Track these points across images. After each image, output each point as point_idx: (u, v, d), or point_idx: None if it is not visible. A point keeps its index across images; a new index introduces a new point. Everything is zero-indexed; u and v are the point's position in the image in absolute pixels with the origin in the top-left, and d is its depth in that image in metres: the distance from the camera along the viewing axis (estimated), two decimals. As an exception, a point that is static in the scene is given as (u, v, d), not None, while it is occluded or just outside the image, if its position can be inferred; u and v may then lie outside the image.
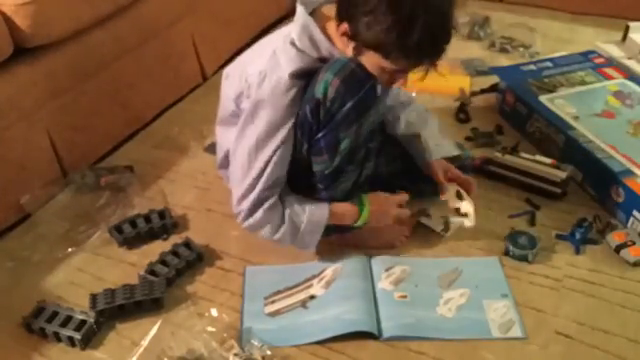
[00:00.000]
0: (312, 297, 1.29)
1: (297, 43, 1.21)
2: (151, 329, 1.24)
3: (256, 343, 1.18)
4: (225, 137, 1.41)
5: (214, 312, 1.27)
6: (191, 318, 1.26)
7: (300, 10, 1.22)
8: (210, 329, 1.22)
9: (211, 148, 1.73)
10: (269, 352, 1.17)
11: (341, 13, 1.16)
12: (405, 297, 1.28)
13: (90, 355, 1.21)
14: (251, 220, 1.29)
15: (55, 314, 1.24)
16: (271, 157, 1.24)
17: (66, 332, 1.20)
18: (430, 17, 1.08)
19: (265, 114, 1.22)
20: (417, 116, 1.49)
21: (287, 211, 1.29)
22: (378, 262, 1.36)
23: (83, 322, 1.22)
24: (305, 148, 1.25)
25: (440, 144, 1.46)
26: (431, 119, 1.50)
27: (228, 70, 1.38)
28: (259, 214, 1.27)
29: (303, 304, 1.28)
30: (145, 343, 1.21)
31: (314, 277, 1.34)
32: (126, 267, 1.40)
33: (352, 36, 1.15)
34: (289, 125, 1.23)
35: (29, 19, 1.43)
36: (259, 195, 1.26)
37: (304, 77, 1.20)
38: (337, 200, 1.32)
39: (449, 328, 1.22)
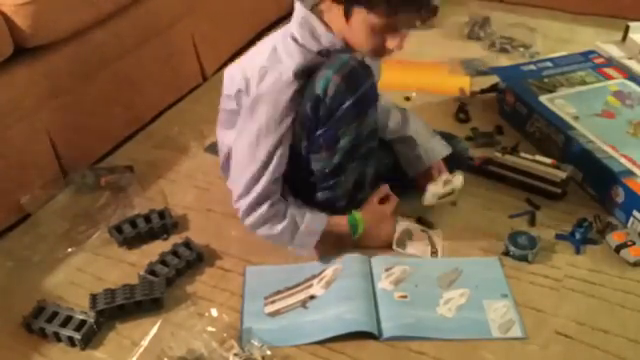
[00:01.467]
0: (312, 297, 1.29)
1: (297, 37, 1.21)
2: (151, 329, 1.24)
3: (256, 343, 1.18)
4: (226, 138, 1.42)
5: (214, 312, 1.27)
6: (191, 318, 1.26)
7: (298, 5, 1.23)
8: (210, 329, 1.22)
9: (211, 148, 1.73)
10: (269, 352, 1.17)
11: None
12: (405, 297, 1.28)
13: (90, 355, 1.21)
14: (254, 216, 1.29)
15: (55, 314, 1.24)
16: (273, 152, 1.24)
17: (66, 332, 1.20)
18: None
19: (265, 109, 1.22)
20: (400, 119, 1.50)
21: (290, 209, 1.29)
22: (378, 262, 1.36)
23: (83, 322, 1.22)
24: (304, 145, 1.26)
25: (429, 147, 1.46)
26: (413, 120, 1.50)
27: (230, 70, 1.38)
28: (263, 209, 1.28)
29: (303, 304, 1.28)
30: (145, 343, 1.21)
31: (314, 277, 1.34)
32: (126, 267, 1.40)
33: None
34: (289, 120, 1.23)
35: (29, 19, 1.43)
36: (264, 189, 1.27)
37: (305, 73, 1.21)
38: (337, 201, 1.33)
39: (449, 328, 1.22)
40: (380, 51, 1.22)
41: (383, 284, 1.30)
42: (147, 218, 1.48)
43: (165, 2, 1.88)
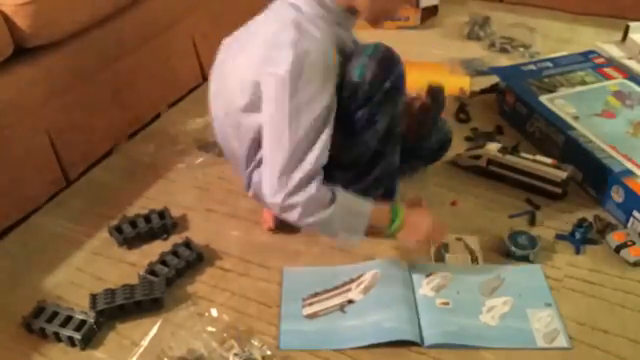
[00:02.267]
0: (350, 301, 1.28)
1: (308, 8, 1.21)
2: (151, 329, 1.24)
3: (256, 343, 1.18)
4: (238, 140, 1.34)
5: (214, 312, 1.27)
6: (191, 318, 1.26)
7: None
8: (210, 329, 1.22)
9: (206, 147, 1.74)
10: (269, 352, 1.17)
11: None
12: (447, 304, 1.26)
13: (90, 355, 1.21)
14: (302, 197, 1.17)
15: (55, 314, 1.24)
16: (321, 125, 1.18)
17: (66, 332, 1.20)
18: None
19: (305, 81, 1.16)
20: None
21: (336, 191, 1.21)
22: (418, 268, 1.34)
23: (83, 322, 1.22)
24: (339, 136, 1.23)
25: None
26: None
27: (233, 67, 1.31)
28: (312, 189, 1.17)
29: (341, 308, 1.27)
30: (145, 343, 1.21)
31: (352, 281, 1.32)
32: (126, 267, 1.40)
33: None
34: (332, 90, 1.19)
35: (29, 19, 1.43)
36: (313, 166, 1.17)
37: (333, 41, 1.21)
38: (370, 190, 1.31)
39: (493, 337, 1.20)
40: (388, 18, 1.29)
41: (424, 290, 1.29)
42: (147, 218, 1.48)
43: (165, 2, 1.88)
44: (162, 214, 1.49)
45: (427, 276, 1.32)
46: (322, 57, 1.17)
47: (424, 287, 1.30)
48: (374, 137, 1.28)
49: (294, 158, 1.17)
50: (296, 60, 1.14)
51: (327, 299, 1.29)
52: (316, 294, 1.30)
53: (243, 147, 1.32)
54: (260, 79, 1.21)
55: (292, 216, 1.20)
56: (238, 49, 1.31)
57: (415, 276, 1.32)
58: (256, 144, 1.29)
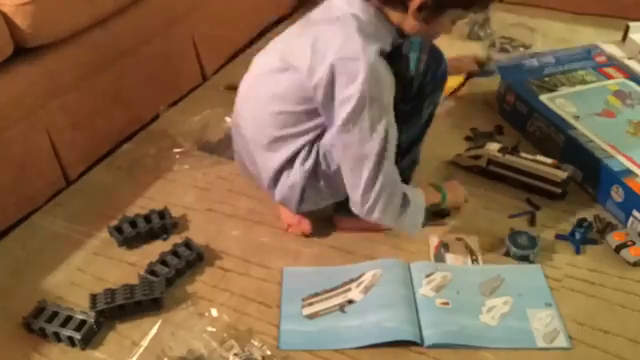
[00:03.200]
0: (350, 301, 1.28)
1: (370, 27, 1.22)
2: (151, 329, 1.24)
3: (256, 343, 1.18)
4: (272, 159, 1.35)
5: (214, 312, 1.27)
6: (191, 318, 1.26)
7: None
8: (210, 329, 1.22)
9: (206, 147, 1.74)
10: (269, 352, 1.17)
11: None
12: (447, 304, 1.26)
13: (90, 355, 1.21)
14: (385, 197, 1.23)
15: (55, 314, 1.24)
16: (390, 132, 1.22)
17: (66, 332, 1.20)
18: None
19: (384, 83, 1.20)
20: None
21: (405, 190, 1.28)
22: (418, 268, 1.34)
23: (83, 322, 1.22)
24: None
25: None
26: None
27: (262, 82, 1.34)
28: (394, 188, 1.24)
29: (342, 308, 1.27)
30: (145, 343, 1.21)
31: (352, 281, 1.32)
32: (126, 267, 1.40)
33: (431, 5, 1.20)
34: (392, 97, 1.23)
35: (29, 19, 1.42)
36: (391, 172, 1.24)
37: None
38: (403, 173, 1.32)
39: (493, 337, 1.20)
40: (439, 36, 1.35)
41: (424, 290, 1.29)
42: (147, 218, 1.48)
43: (165, 2, 1.88)
44: (162, 214, 1.49)
45: (427, 276, 1.32)
46: (386, 72, 1.20)
47: (424, 287, 1.30)
48: (417, 126, 1.35)
49: (373, 174, 1.21)
50: (370, 73, 1.17)
51: (327, 299, 1.29)
52: (316, 294, 1.30)
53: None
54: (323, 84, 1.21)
55: (374, 220, 1.27)
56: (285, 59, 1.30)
57: (415, 276, 1.32)
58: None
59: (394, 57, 1.23)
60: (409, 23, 1.25)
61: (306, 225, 1.44)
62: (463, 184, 1.51)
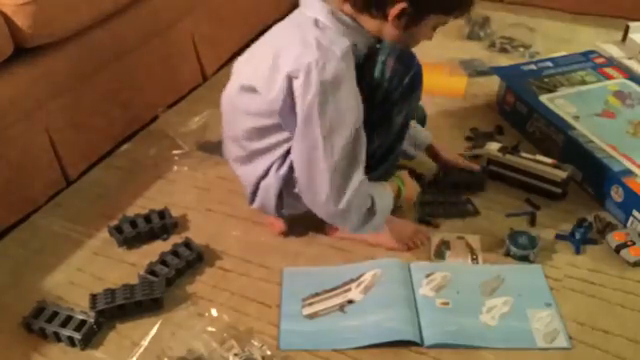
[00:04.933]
0: (350, 302, 1.28)
1: (332, 25, 1.19)
2: (151, 329, 1.24)
3: (256, 343, 1.18)
4: (250, 172, 1.36)
5: (214, 312, 1.27)
6: (191, 318, 1.26)
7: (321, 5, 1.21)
8: (210, 329, 1.22)
9: (206, 147, 1.74)
10: (269, 352, 1.17)
11: None
12: (447, 304, 1.26)
13: (90, 355, 1.21)
14: (355, 199, 1.22)
15: (55, 314, 1.24)
16: (358, 133, 1.21)
17: (66, 332, 1.20)
18: None
19: (339, 97, 1.17)
20: None
21: (371, 191, 1.27)
22: (418, 268, 1.34)
23: (83, 322, 1.22)
24: None
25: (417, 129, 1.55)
26: None
27: (233, 99, 1.33)
28: (363, 189, 1.23)
29: (341, 308, 1.26)
30: (145, 343, 1.21)
31: (352, 281, 1.32)
32: (126, 267, 1.40)
33: (411, 12, 1.17)
34: (359, 102, 1.20)
35: (29, 19, 1.42)
36: (357, 183, 1.22)
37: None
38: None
39: (493, 337, 1.20)
40: (419, 43, 1.29)
41: (424, 290, 1.29)
42: (147, 218, 1.48)
43: (165, 2, 1.88)
44: (162, 214, 1.49)
45: (427, 276, 1.32)
46: (346, 67, 1.16)
47: (424, 287, 1.30)
48: (389, 134, 1.31)
49: (334, 183, 1.20)
50: (321, 85, 1.14)
51: (327, 299, 1.29)
52: (316, 294, 1.30)
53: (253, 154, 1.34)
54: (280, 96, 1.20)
55: (343, 226, 1.31)
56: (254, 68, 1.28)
57: (415, 276, 1.32)
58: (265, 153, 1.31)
59: (363, 61, 1.22)
60: (388, 30, 1.21)
61: (279, 224, 1.44)
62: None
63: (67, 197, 1.63)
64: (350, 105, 1.18)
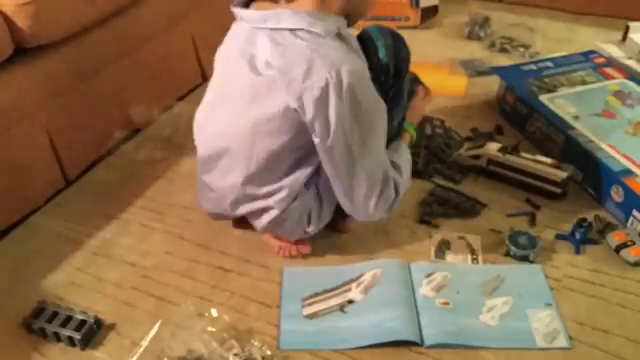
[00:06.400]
0: (350, 301, 1.28)
1: (322, 32, 1.15)
2: (151, 329, 1.24)
3: (256, 343, 1.18)
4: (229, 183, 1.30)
5: (214, 312, 1.27)
6: (191, 318, 1.26)
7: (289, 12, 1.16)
8: (210, 329, 1.22)
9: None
10: (269, 352, 1.17)
11: None
12: (447, 304, 1.26)
13: (90, 355, 1.21)
14: (381, 206, 1.26)
15: (55, 314, 1.24)
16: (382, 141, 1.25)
17: (66, 332, 1.20)
18: None
19: (361, 102, 1.15)
20: None
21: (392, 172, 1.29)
22: (418, 268, 1.34)
23: (83, 322, 1.22)
24: None
25: None
26: None
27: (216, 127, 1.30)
28: (390, 189, 1.26)
29: (341, 308, 1.27)
30: (145, 343, 1.21)
31: (352, 281, 1.32)
32: (126, 267, 1.40)
33: None
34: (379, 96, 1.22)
35: (29, 19, 1.42)
36: (385, 176, 1.25)
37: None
38: None
39: (493, 337, 1.20)
40: (372, 6, 1.28)
41: (424, 290, 1.29)
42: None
43: (165, 2, 1.88)
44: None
45: (427, 276, 1.32)
46: (361, 71, 1.16)
47: (424, 287, 1.30)
48: (403, 106, 1.37)
49: (369, 182, 1.22)
50: (345, 86, 1.11)
51: (327, 299, 1.29)
52: (316, 294, 1.30)
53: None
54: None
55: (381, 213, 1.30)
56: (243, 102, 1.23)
57: (415, 276, 1.32)
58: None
59: (363, 48, 1.25)
60: (330, 4, 1.17)
61: (304, 246, 1.40)
62: (463, 184, 1.52)
63: (67, 197, 1.63)
64: (374, 104, 1.20)
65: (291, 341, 1.21)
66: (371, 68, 1.21)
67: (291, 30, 1.15)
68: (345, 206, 1.28)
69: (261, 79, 1.17)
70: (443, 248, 1.40)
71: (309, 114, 1.13)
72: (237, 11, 1.25)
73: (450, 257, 1.38)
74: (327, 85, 1.10)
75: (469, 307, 1.26)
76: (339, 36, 1.18)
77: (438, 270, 1.34)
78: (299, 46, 1.13)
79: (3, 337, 1.25)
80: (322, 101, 1.11)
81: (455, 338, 1.19)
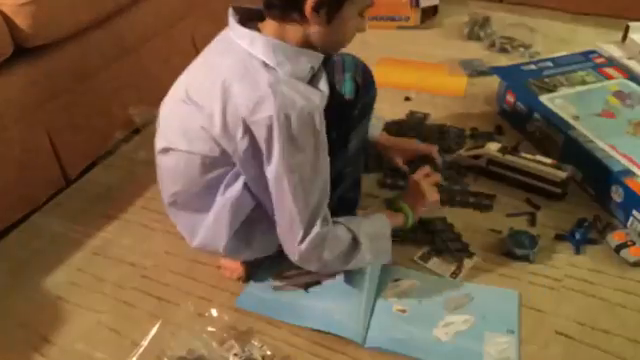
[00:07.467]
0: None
1: (283, 67, 1.07)
2: (151, 329, 1.24)
3: (256, 343, 1.18)
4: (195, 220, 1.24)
5: (214, 312, 1.27)
6: (191, 318, 1.26)
7: (257, 38, 1.10)
8: (210, 329, 1.22)
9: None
10: (269, 352, 1.17)
11: None
12: (404, 311, 1.25)
13: (90, 355, 1.21)
14: (326, 250, 1.15)
15: None
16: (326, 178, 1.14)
17: None
18: None
19: (308, 143, 1.08)
20: None
21: (352, 228, 1.18)
22: (389, 271, 1.33)
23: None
24: None
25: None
26: None
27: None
28: (330, 236, 1.15)
29: (306, 287, 1.30)
30: (145, 343, 1.21)
31: None
32: (126, 267, 1.40)
33: (325, 0, 1.04)
34: (325, 142, 1.11)
35: (29, 19, 1.43)
36: (325, 213, 1.14)
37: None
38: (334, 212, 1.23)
39: (440, 352, 1.16)
40: (353, 36, 1.14)
41: (386, 294, 1.29)
42: None
43: (165, 2, 1.88)
44: None
45: (394, 281, 1.32)
46: (314, 112, 1.06)
47: (387, 290, 1.30)
48: (343, 158, 1.23)
49: (306, 225, 1.11)
50: (293, 126, 1.04)
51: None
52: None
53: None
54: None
55: (322, 267, 1.18)
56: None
57: (384, 277, 1.32)
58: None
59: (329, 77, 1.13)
60: (313, 31, 1.08)
61: (236, 268, 1.35)
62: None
63: (67, 197, 1.63)
64: (317, 146, 1.08)
65: (247, 302, 1.28)
66: (332, 96, 1.11)
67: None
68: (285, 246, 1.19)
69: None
70: (432, 254, 1.39)
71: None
72: (231, 22, 1.19)
73: (432, 264, 1.37)
74: (271, 125, 1.04)
75: (425, 319, 1.23)
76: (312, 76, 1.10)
77: (407, 277, 1.33)
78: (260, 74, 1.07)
79: (3, 337, 1.25)
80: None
81: (399, 347, 1.17)
